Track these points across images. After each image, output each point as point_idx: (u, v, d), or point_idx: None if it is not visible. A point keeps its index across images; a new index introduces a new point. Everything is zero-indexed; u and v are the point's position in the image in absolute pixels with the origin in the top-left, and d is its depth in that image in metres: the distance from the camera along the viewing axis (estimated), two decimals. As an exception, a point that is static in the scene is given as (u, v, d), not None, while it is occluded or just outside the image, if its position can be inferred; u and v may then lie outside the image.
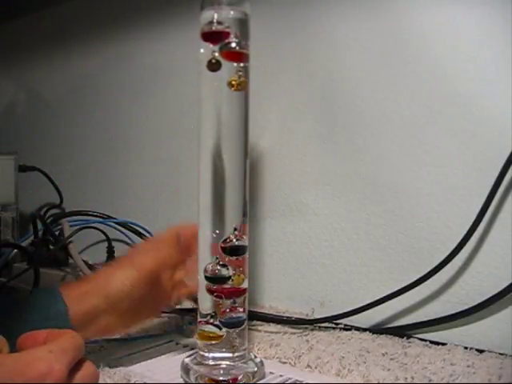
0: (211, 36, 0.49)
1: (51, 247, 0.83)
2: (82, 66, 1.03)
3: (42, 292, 0.55)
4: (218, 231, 0.50)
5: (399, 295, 0.60)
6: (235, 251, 0.50)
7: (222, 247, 0.49)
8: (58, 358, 0.35)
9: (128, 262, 0.54)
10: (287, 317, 0.66)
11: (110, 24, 0.96)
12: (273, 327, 0.65)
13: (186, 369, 0.50)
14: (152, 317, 0.62)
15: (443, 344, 0.58)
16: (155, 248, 0.56)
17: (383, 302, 0.61)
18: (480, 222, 0.55)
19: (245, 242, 0.50)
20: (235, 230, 0.50)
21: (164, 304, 0.59)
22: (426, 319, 0.60)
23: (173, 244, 0.56)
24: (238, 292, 0.50)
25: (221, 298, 0.49)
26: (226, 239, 0.50)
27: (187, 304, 0.63)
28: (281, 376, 0.51)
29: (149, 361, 0.55)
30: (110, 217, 0.82)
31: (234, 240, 0.50)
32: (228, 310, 0.49)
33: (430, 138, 0.61)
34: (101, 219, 0.82)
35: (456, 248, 0.56)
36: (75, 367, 0.37)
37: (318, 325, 0.64)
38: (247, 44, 0.50)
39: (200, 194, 0.51)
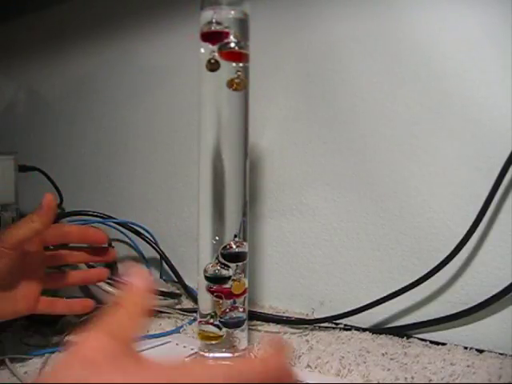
0: (210, 36, 0.49)
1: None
2: (82, 66, 1.02)
3: None
4: (217, 237, 0.50)
5: (399, 295, 0.60)
6: (235, 258, 0.50)
7: (221, 253, 0.49)
8: None
9: None
10: (287, 317, 0.66)
11: (110, 24, 0.96)
12: (273, 327, 0.65)
13: (185, 369, 0.50)
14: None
15: (443, 344, 0.58)
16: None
17: (383, 302, 0.61)
18: (480, 221, 0.55)
19: (245, 248, 0.50)
20: (235, 236, 0.50)
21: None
22: (426, 319, 0.60)
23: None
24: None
25: (221, 298, 0.49)
26: (225, 246, 0.49)
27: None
28: (281, 376, 0.51)
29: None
30: (109, 217, 0.82)
31: (234, 247, 0.49)
32: (228, 310, 0.49)
33: (429, 138, 0.61)
34: (101, 219, 0.81)
35: (456, 248, 0.56)
36: None
37: (318, 325, 0.64)
38: (247, 44, 0.50)
39: (200, 193, 0.51)
